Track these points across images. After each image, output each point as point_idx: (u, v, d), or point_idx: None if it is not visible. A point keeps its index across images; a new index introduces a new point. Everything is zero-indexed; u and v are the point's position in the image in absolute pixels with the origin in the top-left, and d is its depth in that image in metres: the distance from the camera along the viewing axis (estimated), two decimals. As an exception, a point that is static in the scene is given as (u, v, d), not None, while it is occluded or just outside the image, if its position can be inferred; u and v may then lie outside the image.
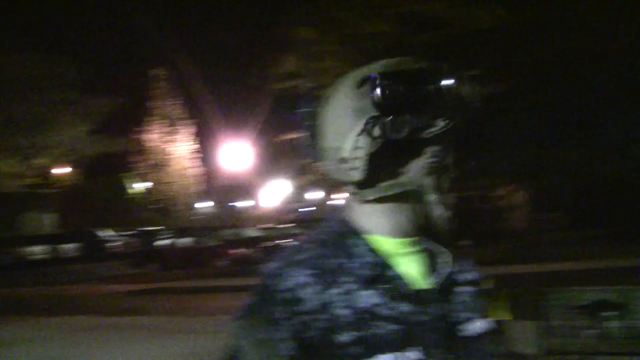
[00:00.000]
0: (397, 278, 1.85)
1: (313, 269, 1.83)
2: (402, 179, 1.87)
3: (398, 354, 1.77)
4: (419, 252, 1.93)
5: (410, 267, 1.89)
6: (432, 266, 1.92)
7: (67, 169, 70.40)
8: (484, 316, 1.97)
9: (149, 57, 53.94)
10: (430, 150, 1.85)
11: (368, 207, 1.91)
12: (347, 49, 31.28)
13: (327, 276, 1.82)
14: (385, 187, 1.87)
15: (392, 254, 1.87)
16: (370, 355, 1.76)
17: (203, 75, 47.68)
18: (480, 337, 1.92)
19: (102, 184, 68.09)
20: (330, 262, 1.85)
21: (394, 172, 1.87)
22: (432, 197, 1.88)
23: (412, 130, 1.80)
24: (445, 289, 1.91)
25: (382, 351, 1.76)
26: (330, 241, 1.90)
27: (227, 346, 1.93)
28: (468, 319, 1.92)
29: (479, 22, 27.22)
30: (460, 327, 1.90)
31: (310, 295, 1.80)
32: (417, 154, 1.85)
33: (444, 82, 1.81)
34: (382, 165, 1.85)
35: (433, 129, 1.83)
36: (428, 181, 1.86)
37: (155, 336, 14.92)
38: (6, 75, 58.57)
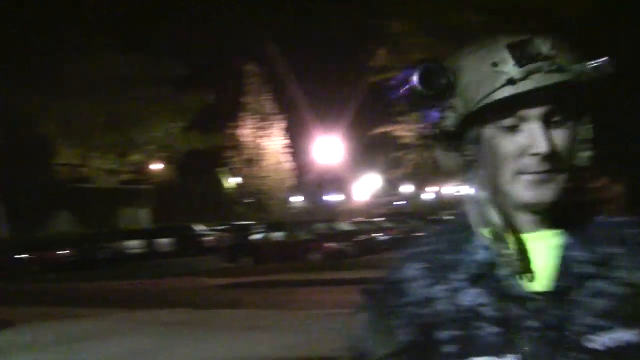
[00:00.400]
0: (508, 278, 1.67)
1: (425, 263, 1.77)
2: None
3: (495, 358, 1.62)
4: (542, 248, 1.70)
5: (528, 265, 1.68)
6: (559, 264, 1.68)
7: (162, 165, 71.74)
8: (627, 326, 1.61)
9: (242, 53, 54.32)
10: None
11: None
12: (438, 41, 31.01)
13: (436, 271, 1.75)
14: None
15: (508, 250, 1.67)
16: (465, 357, 1.64)
17: (295, 70, 47.85)
18: (617, 351, 1.59)
19: (196, 179, 69.15)
20: (442, 257, 1.77)
21: None
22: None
23: None
24: (570, 291, 1.64)
25: (478, 354, 1.64)
26: (445, 236, 1.82)
27: (350, 335, 1.85)
28: (601, 328, 1.61)
29: (571, 10, 26.65)
30: (590, 336, 1.60)
31: (416, 290, 1.75)
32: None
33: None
34: None
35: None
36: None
37: (250, 329, 14.96)
38: (102, 75, 59.91)
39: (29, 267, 42.46)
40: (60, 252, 44.17)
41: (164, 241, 48.97)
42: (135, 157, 70.18)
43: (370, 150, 57.40)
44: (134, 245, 47.61)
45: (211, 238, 47.99)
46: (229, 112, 54.31)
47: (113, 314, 19.75)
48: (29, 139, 42.24)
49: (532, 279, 1.67)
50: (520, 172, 1.64)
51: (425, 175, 52.30)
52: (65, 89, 58.89)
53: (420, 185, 75.80)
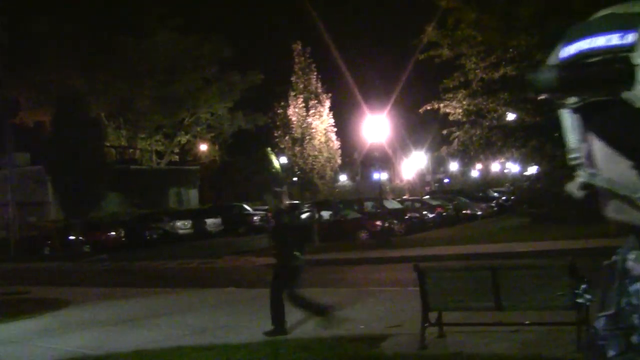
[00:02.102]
0: None
1: None
2: None
3: None
4: None
5: None
6: None
7: (209, 146, 72.16)
8: None
9: (289, 32, 54.36)
10: None
11: None
12: (486, 17, 30.68)
13: None
14: None
15: None
16: None
17: (342, 47, 47.79)
18: None
19: (243, 159, 69.43)
20: None
21: None
22: None
23: None
24: None
25: None
26: None
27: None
28: None
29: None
30: None
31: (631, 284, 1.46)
32: None
33: None
34: None
35: None
36: None
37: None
38: (150, 56, 60.37)
39: (81, 248, 43.09)
40: (110, 233, 44.74)
41: (213, 221, 49.30)
42: (183, 138, 70.67)
43: (417, 127, 57.25)
44: (183, 225, 48.03)
45: (259, 217, 48.22)
46: (276, 91, 54.48)
47: (166, 293, 20.03)
48: (79, 121, 42.76)
49: None
50: None
51: (472, 152, 51.99)
52: (114, 70, 59.46)
53: (467, 163, 75.47)
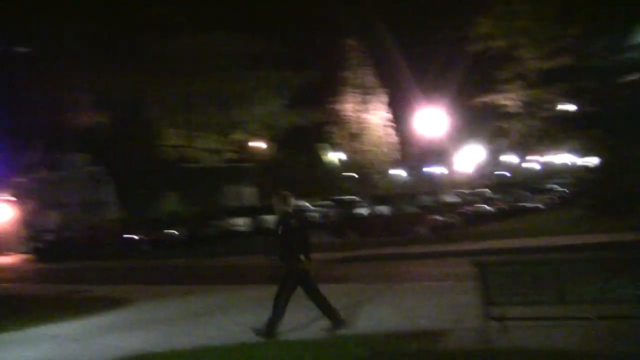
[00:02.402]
0: None
1: None
2: None
3: None
4: None
5: None
6: None
7: (264, 143, 72.50)
8: None
9: (342, 27, 54.14)
10: None
11: None
12: (542, 7, 30.35)
13: None
14: None
15: None
16: None
17: (395, 41, 47.43)
18: None
19: (298, 155, 69.59)
20: None
21: None
22: None
23: None
24: None
25: None
26: None
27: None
28: None
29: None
30: None
31: None
32: None
33: None
34: None
35: None
36: None
37: (358, 303, 15.05)
38: (204, 56, 60.82)
39: (140, 246, 43.62)
40: (168, 231, 45.20)
41: (268, 218, 49.49)
42: (238, 136, 71.11)
43: (473, 120, 56.74)
44: (241, 222, 48.26)
45: (315, 214, 48.26)
46: (329, 87, 54.41)
47: (227, 290, 20.13)
48: (135, 122, 43.25)
49: None
50: None
51: (529, 144, 51.40)
52: (169, 71, 60.04)
53: (524, 155, 74.65)
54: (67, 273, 34.96)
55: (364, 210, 39.27)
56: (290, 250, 12.31)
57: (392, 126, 45.92)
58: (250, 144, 73.59)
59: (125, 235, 44.94)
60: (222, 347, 11.30)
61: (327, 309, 12.40)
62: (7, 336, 15.41)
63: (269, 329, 12.10)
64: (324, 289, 17.93)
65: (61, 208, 56.74)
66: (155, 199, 45.90)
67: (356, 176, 41.66)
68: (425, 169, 60.81)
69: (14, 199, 61.85)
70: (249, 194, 67.02)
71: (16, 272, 39.44)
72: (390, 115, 45.32)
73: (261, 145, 74.17)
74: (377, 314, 13.52)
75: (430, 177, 55.55)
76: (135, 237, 44.09)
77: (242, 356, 10.42)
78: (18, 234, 57.42)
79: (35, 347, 13.85)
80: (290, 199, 12.81)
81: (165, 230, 44.99)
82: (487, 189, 48.93)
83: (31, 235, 54.51)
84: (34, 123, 55.53)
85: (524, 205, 43.87)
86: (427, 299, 14.38)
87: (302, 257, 12.27)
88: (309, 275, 12.50)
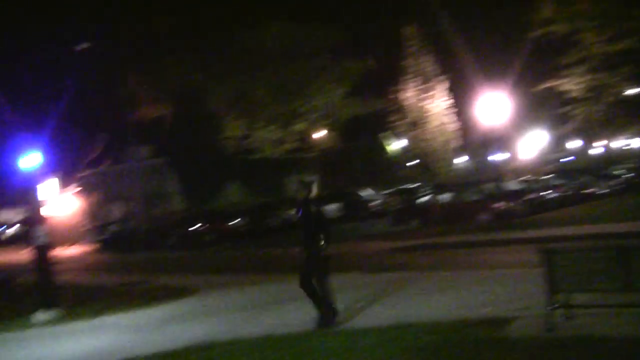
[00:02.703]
0: None
1: None
2: None
3: None
4: None
5: None
6: None
7: (325, 133, 72.52)
8: None
9: (401, 15, 53.80)
10: None
11: None
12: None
13: None
14: None
15: None
16: None
17: (455, 28, 46.96)
18: None
19: (359, 145, 69.57)
20: None
21: None
22: None
23: None
24: None
25: None
26: None
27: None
28: None
29: None
30: None
31: None
32: None
33: None
34: None
35: None
36: None
37: (422, 291, 15.02)
38: (264, 47, 61.05)
39: (203, 237, 44.00)
40: (231, 222, 45.50)
41: (331, 207, 49.51)
42: (299, 126, 71.24)
43: (536, 106, 56.01)
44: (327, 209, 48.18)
45: (378, 202, 48.17)
46: (390, 75, 54.18)
47: (291, 279, 20.14)
48: (197, 114, 43.62)
49: None
50: None
51: (593, 129, 50.62)
52: (230, 62, 60.42)
53: (589, 140, 73.49)
54: (132, 264, 35.48)
55: (426, 199, 39.04)
56: (310, 236, 12.33)
57: (453, 113, 45.64)
58: (312, 134, 73.71)
59: (188, 227, 45.41)
60: (286, 336, 11.36)
61: (323, 303, 12.30)
62: (74, 325, 15.71)
63: (327, 319, 12.11)
64: (388, 277, 17.97)
65: (125, 200, 57.59)
66: (218, 190, 46.28)
67: (418, 164, 41.44)
68: (488, 156, 60.28)
69: (79, 191, 62.98)
70: (324, 181, 67.00)
71: (82, 263, 40.16)
72: (451, 103, 45.07)
73: (322, 135, 74.24)
74: (442, 301, 13.48)
75: (493, 164, 55.10)
76: (199, 228, 44.51)
77: (308, 345, 10.47)
78: (84, 226, 58.45)
79: (101, 336, 14.11)
80: (314, 187, 12.80)
81: (228, 221, 45.32)
82: (551, 176, 48.19)
83: (96, 227, 55.43)
84: (98, 117, 56.41)
85: (589, 192, 43.19)
86: (491, 287, 14.27)
87: (322, 242, 12.24)
88: (327, 262, 12.42)
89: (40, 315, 16.80)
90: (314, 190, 12.77)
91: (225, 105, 64.79)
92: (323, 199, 14.24)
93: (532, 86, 48.02)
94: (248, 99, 64.23)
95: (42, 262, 17.64)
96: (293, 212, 47.70)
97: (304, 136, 73.40)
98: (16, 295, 21.88)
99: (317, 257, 12.22)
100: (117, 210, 59.96)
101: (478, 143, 60.70)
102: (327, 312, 12.21)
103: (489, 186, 38.60)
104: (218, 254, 35.86)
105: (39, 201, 18.06)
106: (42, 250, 17.64)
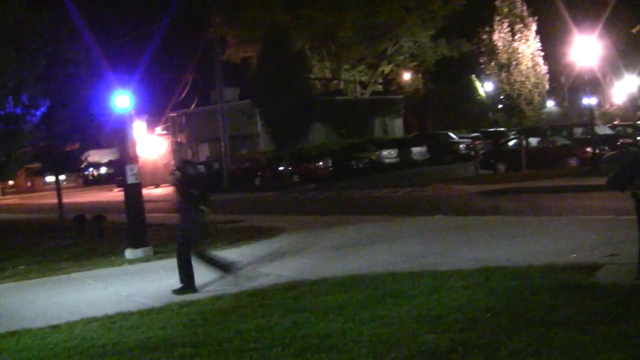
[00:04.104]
0: None
1: None
2: None
3: None
4: None
5: None
6: None
7: (412, 74, 71.98)
8: None
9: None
10: None
11: None
12: None
13: None
14: None
15: None
16: None
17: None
18: None
19: (447, 87, 68.84)
20: None
21: None
22: None
23: None
24: None
25: None
26: None
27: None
28: None
29: None
30: None
31: None
32: None
33: None
34: None
35: None
36: None
37: (509, 235, 14.92)
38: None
39: (290, 178, 44.30)
40: (317, 163, 45.64)
41: (419, 149, 49.20)
42: (387, 68, 70.78)
43: (630, 49, 54.43)
44: (389, 154, 48.20)
45: (464, 145, 47.71)
46: (480, 16, 53.12)
47: (375, 221, 20.27)
48: (284, 55, 43.69)
49: None
50: None
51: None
52: (318, 4, 60.17)
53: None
54: (219, 204, 36.00)
55: (513, 142, 38.47)
56: (190, 201, 12.23)
57: (543, 56, 44.56)
58: (399, 76, 73.23)
59: (274, 168, 45.73)
60: (372, 277, 11.43)
61: (187, 273, 12.31)
62: (163, 263, 16.08)
63: (225, 269, 12.33)
64: (473, 221, 17.89)
65: (212, 141, 58.21)
66: (304, 131, 46.40)
67: (506, 107, 40.84)
68: (577, 100, 58.89)
69: (167, 132, 64.01)
70: (397, 126, 66.77)
71: (171, 203, 40.84)
72: (542, 45, 43.97)
73: (409, 77, 73.68)
74: (528, 246, 13.38)
75: (583, 108, 53.85)
76: (284, 169, 44.79)
77: (393, 286, 10.51)
78: (172, 166, 59.48)
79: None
80: (189, 151, 12.66)
81: (314, 163, 45.46)
82: (641, 121, 46.92)
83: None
84: (187, 58, 56.98)
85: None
86: (579, 233, 14.09)
87: (202, 207, 12.19)
88: (202, 230, 12.41)
89: (130, 253, 17.23)
90: (188, 153, 12.66)
91: (312, 47, 64.73)
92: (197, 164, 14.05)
93: (627, 28, 46.64)
94: (335, 41, 64.03)
95: (133, 201, 18.02)
96: (379, 153, 47.89)
97: (391, 78, 73.00)
98: (107, 234, 22.48)
99: (197, 223, 12.19)
100: (203, 152, 60.75)
101: (568, 87, 59.43)
102: (223, 267, 12.41)
103: (579, 131, 37.84)
104: (304, 195, 36.10)
105: (130, 141, 18.40)
106: (133, 189, 18.01)
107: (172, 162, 55.78)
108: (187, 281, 12.22)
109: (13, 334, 10.09)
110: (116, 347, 8.71)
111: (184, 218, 12.35)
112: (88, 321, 10.36)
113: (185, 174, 12.70)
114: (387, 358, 7.10)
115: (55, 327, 10.25)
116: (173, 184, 12.86)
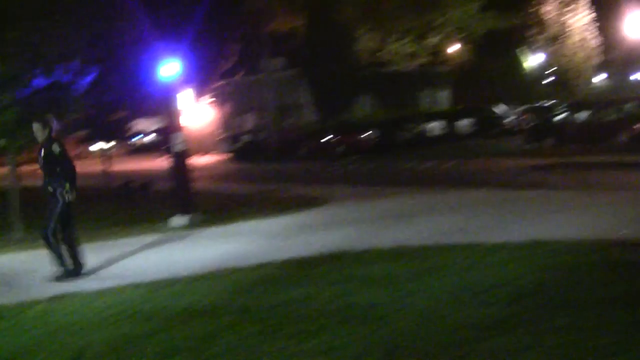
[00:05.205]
0: None
1: None
2: None
3: None
4: None
5: None
6: None
7: (459, 47, 71.20)
8: None
9: None
10: None
11: None
12: None
13: None
14: None
15: None
16: None
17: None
18: None
19: (495, 59, 68.03)
20: None
21: None
22: None
23: None
24: None
25: None
26: None
27: None
28: None
29: None
30: None
31: None
32: None
33: None
34: None
35: None
36: None
37: (557, 210, 14.75)
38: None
39: (335, 149, 44.26)
40: (363, 134, 45.53)
41: (464, 122, 48.87)
42: (433, 40, 70.15)
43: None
44: (435, 126, 47.95)
45: (512, 119, 47.26)
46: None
47: (421, 193, 20.13)
48: (330, 26, 43.47)
49: None
50: None
51: None
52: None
53: None
54: (264, 174, 36.14)
55: (562, 117, 38.01)
56: (54, 179, 11.66)
57: (595, 29, 43.85)
58: (446, 48, 72.53)
59: (320, 138, 45.71)
60: (419, 248, 11.37)
61: (62, 256, 11.76)
62: (208, 231, 16.18)
63: (76, 270, 11.82)
64: (521, 194, 17.74)
65: (258, 111, 58.33)
66: (350, 102, 46.22)
67: (555, 81, 40.14)
68: (629, 75, 57.95)
69: (213, 101, 64.19)
70: (444, 98, 66.29)
71: (216, 172, 41.14)
72: (593, 17, 43.22)
73: (457, 49, 72.96)
74: (577, 221, 13.21)
75: (635, 83, 52.97)
76: (330, 140, 44.74)
77: (440, 259, 10.44)
78: (217, 135, 59.71)
79: (235, 241, 14.47)
80: (52, 124, 12.12)
81: (360, 134, 45.37)
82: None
83: (229, 137, 56.47)
84: (233, 28, 56.88)
85: None
86: (628, 209, 13.89)
87: (67, 186, 11.61)
88: (71, 208, 11.78)
89: (177, 220, 17.35)
90: (54, 127, 12.16)
91: (359, 18, 64.30)
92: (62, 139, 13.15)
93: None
94: (382, 11, 63.55)
95: (179, 169, 18.15)
96: (425, 126, 47.65)
97: (438, 50, 72.33)
98: (153, 201, 22.67)
99: (61, 203, 11.64)
100: (249, 121, 60.89)
101: (620, 61, 58.48)
102: (77, 263, 11.87)
103: (629, 106, 37.24)
104: (349, 166, 36.07)
105: (177, 109, 18.48)
106: (180, 157, 18.12)
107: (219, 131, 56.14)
108: (64, 263, 11.82)
109: (61, 297, 10.22)
110: (162, 312, 8.79)
111: (50, 196, 11.79)
112: (136, 286, 10.47)
113: (48, 150, 11.77)
114: (433, 330, 7.06)
115: (103, 292, 10.38)
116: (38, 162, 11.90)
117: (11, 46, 16.15)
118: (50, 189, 11.68)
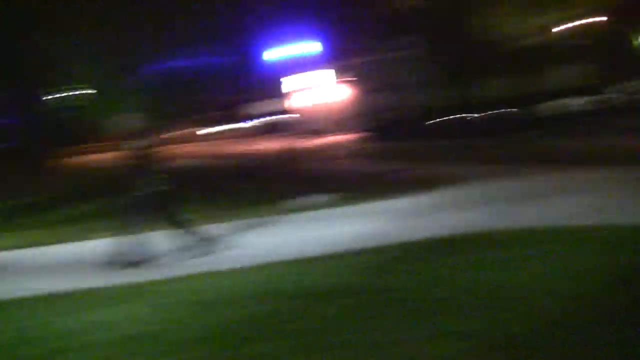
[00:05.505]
0: None
1: None
2: None
3: None
4: None
5: None
6: None
7: (598, 18, 68.92)
8: None
9: None
10: None
11: None
12: None
13: None
14: None
15: None
16: None
17: None
18: None
19: (635, 32, 65.71)
20: None
21: None
22: None
23: None
24: None
25: None
26: None
27: None
28: None
29: None
30: None
31: None
32: None
33: None
34: None
35: None
36: None
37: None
38: None
39: (472, 125, 43.68)
40: (499, 110, 44.69)
41: (580, 100, 47.04)
42: (569, 12, 68.16)
43: None
44: (578, 102, 46.40)
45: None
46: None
47: (560, 171, 19.43)
48: (453, 4, 42.81)
49: None
50: None
51: None
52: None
53: None
54: (403, 151, 35.95)
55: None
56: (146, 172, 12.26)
57: None
58: (582, 20, 70.38)
59: (456, 115, 45.20)
60: (549, 228, 11.18)
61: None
62: (344, 209, 16.36)
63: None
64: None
65: (396, 88, 58.23)
66: (484, 78, 45.53)
67: None
68: None
69: (350, 80, 64.47)
70: (581, 73, 64.32)
71: (354, 150, 41.21)
72: None
73: (595, 21, 70.70)
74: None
75: None
76: (467, 116, 44.21)
77: (580, 240, 10.19)
78: (356, 113, 59.93)
79: (371, 220, 14.53)
80: (141, 121, 12.24)
81: (497, 110, 44.55)
82: None
83: (366, 116, 56.57)
84: (369, 7, 57.06)
85: None
86: None
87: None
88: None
89: (315, 199, 17.55)
90: (142, 124, 12.26)
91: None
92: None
93: None
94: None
95: (317, 150, 18.36)
96: (565, 101, 46.20)
97: (574, 22, 70.27)
98: (287, 180, 22.81)
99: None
100: (384, 99, 60.87)
101: None
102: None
103: None
104: (487, 144, 35.38)
105: (295, 91, 18.62)
106: (317, 137, 18.34)
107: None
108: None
109: (191, 277, 10.70)
110: (306, 290, 9.02)
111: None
112: (278, 264, 10.86)
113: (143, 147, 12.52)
114: (570, 311, 6.98)
115: (234, 271, 10.83)
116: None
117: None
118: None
